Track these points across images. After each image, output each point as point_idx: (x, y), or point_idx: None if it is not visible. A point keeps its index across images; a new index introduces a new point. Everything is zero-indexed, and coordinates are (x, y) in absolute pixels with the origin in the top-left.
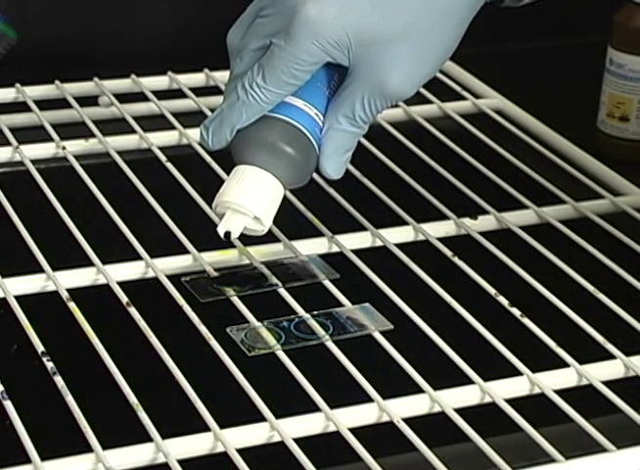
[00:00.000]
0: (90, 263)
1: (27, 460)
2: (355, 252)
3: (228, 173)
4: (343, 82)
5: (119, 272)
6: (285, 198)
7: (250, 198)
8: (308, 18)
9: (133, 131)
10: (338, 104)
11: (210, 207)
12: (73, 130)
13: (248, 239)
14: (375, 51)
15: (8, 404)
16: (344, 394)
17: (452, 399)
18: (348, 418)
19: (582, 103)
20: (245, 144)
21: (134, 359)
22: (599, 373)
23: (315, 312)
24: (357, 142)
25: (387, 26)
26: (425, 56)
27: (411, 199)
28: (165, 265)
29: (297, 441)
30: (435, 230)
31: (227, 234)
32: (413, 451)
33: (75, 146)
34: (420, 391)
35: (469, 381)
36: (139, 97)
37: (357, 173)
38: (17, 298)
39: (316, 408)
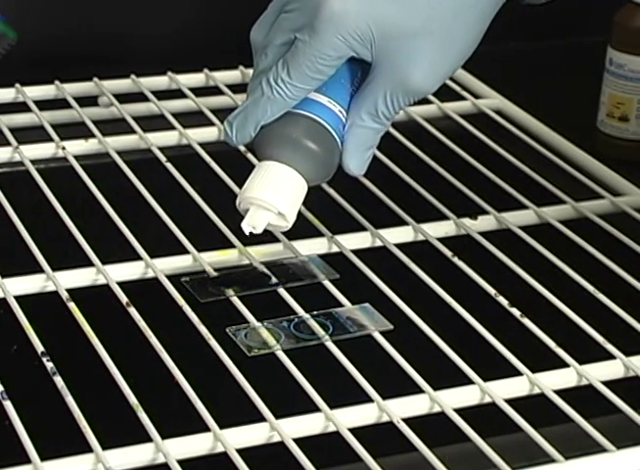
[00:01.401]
0: (90, 264)
1: (27, 460)
2: (355, 252)
3: (228, 174)
4: (367, 78)
5: (119, 272)
6: None
7: (274, 193)
8: (332, 12)
9: (133, 131)
10: (360, 100)
11: (210, 207)
12: (73, 130)
13: (247, 239)
14: (397, 45)
15: (8, 404)
16: (344, 394)
17: (452, 400)
18: (348, 418)
19: (582, 103)
20: (269, 140)
21: (134, 359)
22: (599, 373)
23: (315, 312)
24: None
25: (409, 20)
26: (447, 51)
27: (411, 199)
28: (165, 265)
29: (297, 441)
30: (435, 230)
31: (251, 230)
32: (413, 452)
33: (75, 146)
34: (420, 391)
35: (469, 381)
36: (139, 97)
37: None
38: (17, 298)
39: (316, 408)
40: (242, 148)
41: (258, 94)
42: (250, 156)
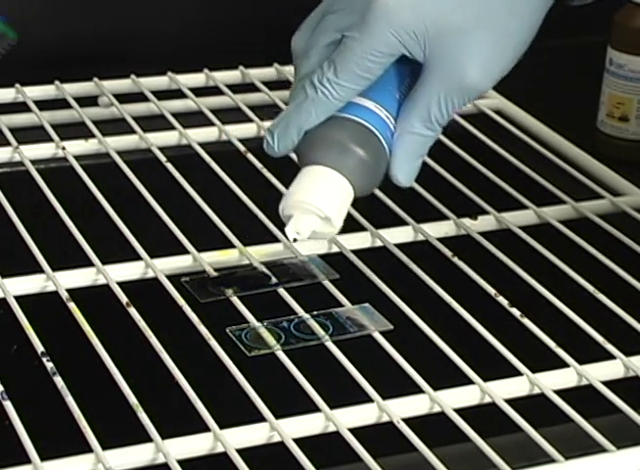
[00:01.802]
0: (90, 264)
1: (27, 460)
2: (355, 252)
3: (228, 174)
4: (417, 82)
5: (119, 272)
6: None
7: (320, 196)
8: (386, 6)
9: (133, 131)
10: (411, 105)
11: (210, 207)
12: (73, 131)
13: (248, 239)
14: (452, 42)
15: (8, 404)
16: (344, 394)
17: (452, 400)
18: (348, 418)
19: (582, 103)
20: (313, 144)
21: (134, 359)
22: (599, 373)
23: (315, 313)
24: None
25: (464, 15)
26: (503, 46)
27: (411, 199)
28: (165, 265)
29: (297, 441)
30: (435, 230)
31: (296, 237)
32: (413, 452)
33: (75, 146)
34: (420, 391)
35: (469, 381)
36: (139, 97)
37: None
38: (17, 298)
39: (316, 408)
40: (242, 148)
41: (302, 98)
42: (250, 156)
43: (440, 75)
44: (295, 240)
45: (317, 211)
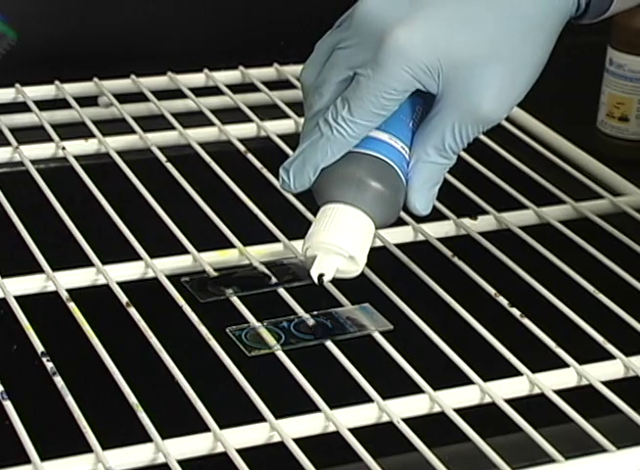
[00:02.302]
0: (90, 264)
1: (27, 460)
2: None
3: (228, 174)
4: (431, 111)
5: (119, 272)
6: (285, 198)
7: (343, 236)
8: (398, 43)
9: (133, 131)
10: (425, 134)
11: (210, 207)
12: (73, 130)
13: (247, 238)
14: (466, 74)
15: (8, 404)
16: (344, 394)
17: (452, 400)
18: (348, 418)
19: (582, 103)
20: (331, 182)
21: (134, 359)
22: (599, 373)
23: (315, 313)
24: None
25: (477, 47)
26: (517, 75)
27: None
28: (165, 265)
29: (297, 441)
30: (435, 230)
31: (320, 277)
32: (413, 452)
33: (75, 146)
34: (420, 391)
35: (469, 381)
36: (139, 97)
37: None
38: (17, 298)
39: (316, 408)
40: (242, 148)
41: (317, 136)
42: (250, 156)
43: (455, 106)
44: (320, 281)
45: (341, 251)
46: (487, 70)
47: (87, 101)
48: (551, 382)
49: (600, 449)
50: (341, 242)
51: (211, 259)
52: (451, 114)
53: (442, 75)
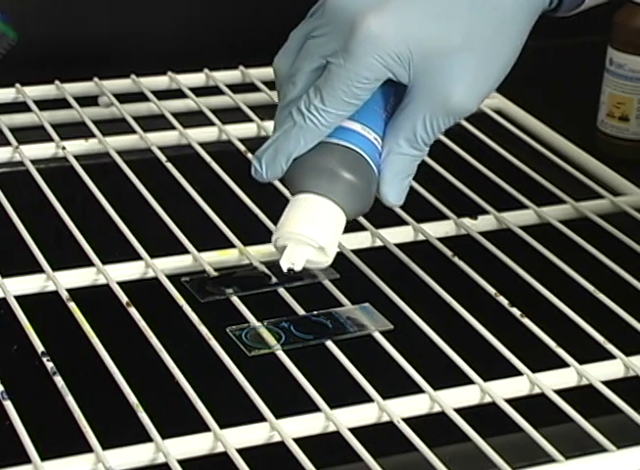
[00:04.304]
0: (90, 263)
1: (27, 460)
2: (355, 252)
3: (228, 174)
4: (402, 102)
5: (119, 272)
6: (285, 198)
7: (313, 227)
8: (369, 33)
9: (133, 131)
10: (397, 125)
11: (210, 207)
12: (73, 130)
13: (247, 238)
14: (437, 64)
15: (8, 404)
16: (344, 394)
17: (452, 399)
18: (348, 418)
19: (582, 103)
20: (303, 172)
21: (134, 359)
22: (599, 373)
23: (315, 312)
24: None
25: (449, 37)
26: (488, 67)
27: (411, 199)
28: (165, 265)
29: (297, 441)
30: (435, 230)
31: (290, 268)
32: (413, 451)
33: (75, 146)
34: (420, 391)
35: (469, 381)
36: (139, 97)
37: None
38: (17, 298)
39: (316, 408)
40: (242, 148)
41: (289, 125)
42: (250, 156)
43: (426, 97)
44: (289, 270)
45: (311, 241)
46: (459, 60)
47: (87, 101)
48: (551, 382)
49: (600, 449)
50: (311, 232)
51: (211, 259)
52: (422, 105)
53: (413, 65)
